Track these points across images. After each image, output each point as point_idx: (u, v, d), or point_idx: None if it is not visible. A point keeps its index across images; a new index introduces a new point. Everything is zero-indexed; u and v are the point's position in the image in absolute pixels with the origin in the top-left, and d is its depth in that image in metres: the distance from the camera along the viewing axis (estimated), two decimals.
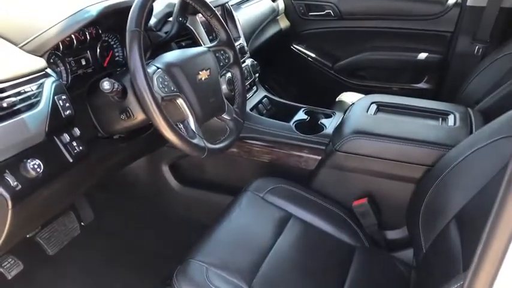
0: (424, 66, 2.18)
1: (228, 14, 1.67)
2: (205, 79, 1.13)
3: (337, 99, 2.00)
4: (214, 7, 1.24)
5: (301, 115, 1.64)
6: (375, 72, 2.32)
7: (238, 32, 1.70)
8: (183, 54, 1.13)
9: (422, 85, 2.22)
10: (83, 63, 1.17)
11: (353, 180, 1.37)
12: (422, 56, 2.15)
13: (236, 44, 1.61)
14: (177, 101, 1.05)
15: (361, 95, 1.84)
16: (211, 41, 1.47)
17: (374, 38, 2.24)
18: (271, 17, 2.12)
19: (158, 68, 1.03)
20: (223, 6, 1.64)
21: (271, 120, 1.58)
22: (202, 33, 1.46)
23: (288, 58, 2.40)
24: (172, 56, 1.11)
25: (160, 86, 1.00)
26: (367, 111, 1.47)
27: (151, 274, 1.50)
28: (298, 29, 2.35)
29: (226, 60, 1.25)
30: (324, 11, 2.25)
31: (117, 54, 1.29)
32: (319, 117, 1.64)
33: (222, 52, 1.24)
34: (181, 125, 1.07)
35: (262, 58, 1.84)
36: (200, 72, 1.12)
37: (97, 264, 1.59)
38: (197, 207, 1.67)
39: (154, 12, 1.34)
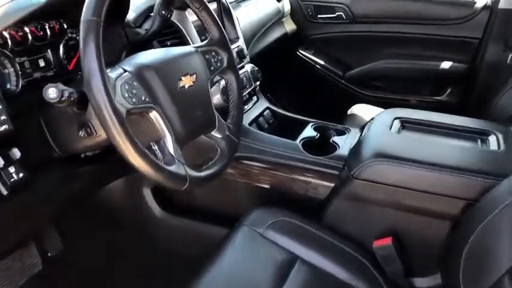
0: (447, 76, 2.05)
1: (225, 10, 1.48)
2: (189, 87, 0.91)
3: (348, 113, 1.85)
4: (207, 1, 1.04)
5: (309, 131, 1.44)
6: (390, 83, 2.20)
7: (237, 33, 1.51)
8: (161, 55, 0.91)
9: (444, 98, 2.11)
10: (42, 64, 0.97)
11: (374, 214, 1.18)
12: (446, 65, 2.03)
13: (234, 46, 1.44)
14: (150, 114, 0.83)
15: (375, 108, 1.72)
16: (202, 41, 1.27)
17: (390, 44, 2.12)
18: (276, 18, 2.00)
19: (125, 71, 0.81)
20: (218, 1, 1.45)
21: (274, 136, 1.39)
22: (191, 31, 1.26)
23: (294, 65, 2.29)
24: (146, 56, 0.88)
25: (126, 95, 0.77)
26: (390, 129, 1.28)
27: None
28: (306, 33, 2.25)
29: (219, 64, 1.03)
30: (334, 13, 2.15)
31: None
32: (331, 134, 1.46)
33: (213, 53, 1.03)
34: (156, 147, 0.86)
35: (265, 64, 1.68)
36: (183, 78, 0.90)
37: None
38: (184, 239, 1.48)
39: (134, 6, 1.16)
